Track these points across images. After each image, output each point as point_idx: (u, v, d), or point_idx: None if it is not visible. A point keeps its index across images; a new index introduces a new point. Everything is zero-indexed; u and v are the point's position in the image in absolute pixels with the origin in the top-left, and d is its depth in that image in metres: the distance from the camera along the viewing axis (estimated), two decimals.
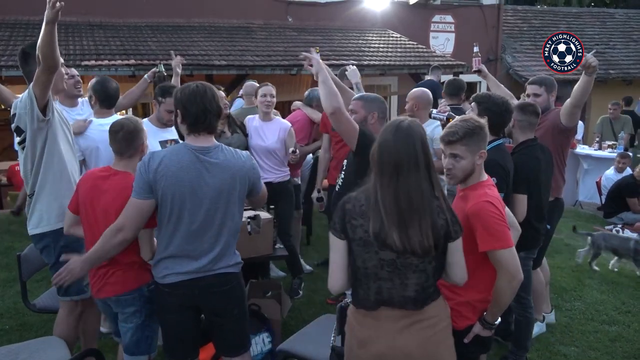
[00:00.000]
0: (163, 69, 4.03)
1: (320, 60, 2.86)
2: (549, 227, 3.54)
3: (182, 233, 2.22)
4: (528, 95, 3.60)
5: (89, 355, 2.46)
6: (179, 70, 4.15)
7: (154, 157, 2.21)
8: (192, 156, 2.19)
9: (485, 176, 2.22)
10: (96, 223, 2.41)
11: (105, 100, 3.35)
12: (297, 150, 4.05)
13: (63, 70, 2.91)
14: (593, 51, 3.38)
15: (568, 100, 3.40)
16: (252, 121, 4.21)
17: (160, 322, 2.42)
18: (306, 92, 4.92)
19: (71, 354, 2.67)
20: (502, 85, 4.13)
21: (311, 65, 2.85)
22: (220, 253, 2.29)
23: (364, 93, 3.17)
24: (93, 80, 3.41)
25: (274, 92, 4.14)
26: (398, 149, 1.83)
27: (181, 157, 2.19)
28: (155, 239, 2.41)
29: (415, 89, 4.06)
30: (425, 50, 11.24)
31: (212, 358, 2.82)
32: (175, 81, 4.00)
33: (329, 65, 9.80)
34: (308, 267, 4.84)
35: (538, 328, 3.71)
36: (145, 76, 4.05)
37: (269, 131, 4.11)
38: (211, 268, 2.28)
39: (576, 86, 3.35)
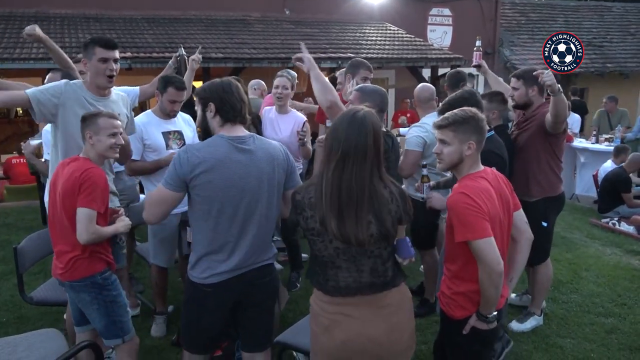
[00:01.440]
0: (184, 52, 3.91)
1: (312, 58, 2.85)
2: (545, 224, 3.55)
3: (224, 227, 2.17)
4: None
5: (86, 348, 2.45)
6: (195, 66, 3.90)
7: (189, 150, 2.15)
8: (230, 147, 2.16)
9: (480, 168, 2.22)
10: (55, 206, 2.46)
11: None
12: (305, 129, 3.96)
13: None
14: (547, 71, 3.21)
15: (548, 115, 3.30)
16: (269, 112, 4.16)
17: (193, 320, 2.35)
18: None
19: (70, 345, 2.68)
20: (502, 81, 4.10)
21: (302, 62, 2.83)
22: (261, 245, 2.27)
23: (366, 84, 3.14)
24: (50, 75, 3.36)
25: (287, 84, 4.04)
26: (349, 138, 1.85)
27: (218, 148, 2.15)
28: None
29: (420, 84, 4.02)
30: (422, 43, 11.22)
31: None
32: (188, 76, 3.85)
33: (327, 59, 9.76)
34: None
35: (535, 321, 3.73)
36: (170, 62, 3.97)
37: (284, 124, 4.06)
38: (254, 261, 2.26)
39: (550, 107, 3.23)
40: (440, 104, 2.96)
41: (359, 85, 3.14)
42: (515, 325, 3.70)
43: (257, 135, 2.30)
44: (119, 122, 2.56)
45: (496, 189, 2.16)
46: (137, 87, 3.77)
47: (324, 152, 1.93)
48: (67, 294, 2.63)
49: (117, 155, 2.58)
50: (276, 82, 4.05)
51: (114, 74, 2.89)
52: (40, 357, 2.40)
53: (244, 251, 2.22)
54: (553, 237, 5.67)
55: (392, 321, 1.96)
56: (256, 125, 4.04)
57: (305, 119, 4.14)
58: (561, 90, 3.12)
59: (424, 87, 3.87)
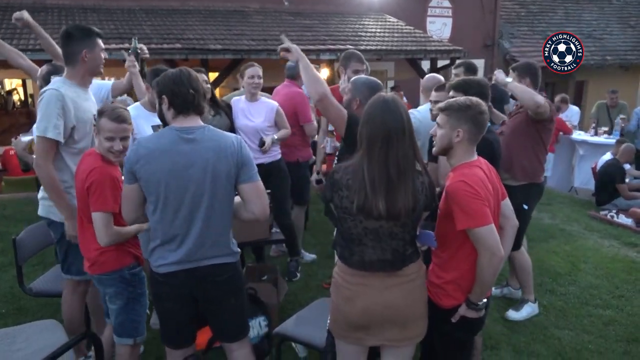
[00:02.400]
0: (138, 45, 3.50)
1: (299, 48, 2.81)
2: (526, 207, 3.57)
3: (169, 218, 2.17)
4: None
5: (85, 339, 2.46)
6: (134, 70, 3.42)
7: (138, 142, 2.19)
8: (175, 137, 2.15)
9: (474, 157, 2.23)
10: (78, 199, 2.48)
11: None
12: (267, 142, 3.99)
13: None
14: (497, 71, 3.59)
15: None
16: (239, 102, 4.16)
17: (156, 309, 2.39)
18: (291, 64, 4.59)
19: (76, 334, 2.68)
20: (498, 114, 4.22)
21: (288, 52, 2.79)
22: (212, 240, 2.24)
23: (361, 76, 3.12)
24: (44, 69, 3.31)
25: (260, 73, 4.09)
26: (386, 121, 1.98)
27: (164, 139, 2.16)
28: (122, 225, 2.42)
29: (428, 74, 4.02)
30: (422, 35, 11.18)
31: (209, 341, 2.82)
32: (135, 83, 3.46)
33: (326, 50, 9.72)
34: (311, 256, 4.81)
35: (531, 309, 3.75)
36: (126, 55, 3.50)
37: (256, 111, 4.08)
38: (204, 256, 2.23)
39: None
40: (455, 79, 2.98)
41: (353, 78, 3.11)
42: (511, 313, 3.73)
43: (210, 127, 2.25)
44: (124, 126, 2.42)
45: (489, 179, 2.19)
46: (110, 82, 3.66)
47: (361, 142, 2.03)
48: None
49: (119, 159, 2.46)
50: (250, 72, 4.07)
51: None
52: (39, 348, 2.40)
53: (191, 243, 2.20)
54: (552, 229, 5.74)
55: (407, 288, 2.08)
56: (228, 113, 4.04)
57: (277, 104, 4.15)
58: (509, 80, 3.55)
59: (430, 77, 3.88)
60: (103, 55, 2.87)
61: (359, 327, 2.10)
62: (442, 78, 3.91)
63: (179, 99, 2.17)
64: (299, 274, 4.38)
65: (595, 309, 3.96)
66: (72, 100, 2.73)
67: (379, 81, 2.97)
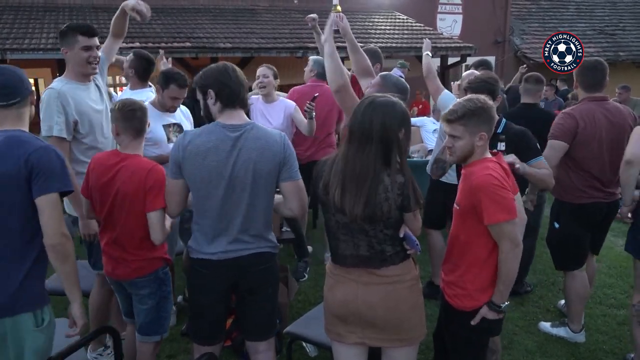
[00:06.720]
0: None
1: (332, 32, 2.75)
2: (557, 225, 3.41)
3: (212, 212, 2.21)
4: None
5: (103, 333, 2.47)
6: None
7: (185, 135, 2.22)
8: (223, 134, 2.17)
9: (488, 154, 2.20)
10: (113, 208, 2.43)
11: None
12: (314, 103, 3.85)
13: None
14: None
15: None
16: (257, 102, 4.14)
17: (192, 303, 2.40)
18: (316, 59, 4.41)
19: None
20: None
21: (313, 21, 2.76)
22: (252, 233, 2.27)
23: (393, 75, 2.96)
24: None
25: (268, 73, 4.07)
26: (358, 120, 1.96)
27: (212, 135, 2.17)
28: (170, 220, 2.51)
29: (467, 71, 3.97)
30: (432, 32, 11.13)
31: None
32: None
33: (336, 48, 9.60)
34: (326, 255, 4.76)
35: (565, 333, 3.48)
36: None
37: (274, 112, 4.04)
38: (246, 247, 2.27)
39: None
40: (468, 82, 2.95)
41: (384, 73, 3.05)
42: (544, 325, 3.59)
43: (257, 124, 2.26)
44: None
45: (507, 172, 2.16)
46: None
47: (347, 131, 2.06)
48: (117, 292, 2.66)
49: None
50: (258, 72, 4.08)
51: (98, 60, 2.88)
52: (56, 344, 2.42)
53: (232, 236, 2.23)
54: None
55: (387, 290, 2.02)
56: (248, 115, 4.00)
57: (294, 104, 4.08)
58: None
59: (470, 75, 3.85)
60: (88, 53, 2.79)
61: (339, 320, 2.10)
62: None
63: (228, 91, 2.19)
64: (306, 275, 4.37)
65: (610, 308, 3.91)
66: (71, 96, 2.77)
67: (407, 85, 2.85)
